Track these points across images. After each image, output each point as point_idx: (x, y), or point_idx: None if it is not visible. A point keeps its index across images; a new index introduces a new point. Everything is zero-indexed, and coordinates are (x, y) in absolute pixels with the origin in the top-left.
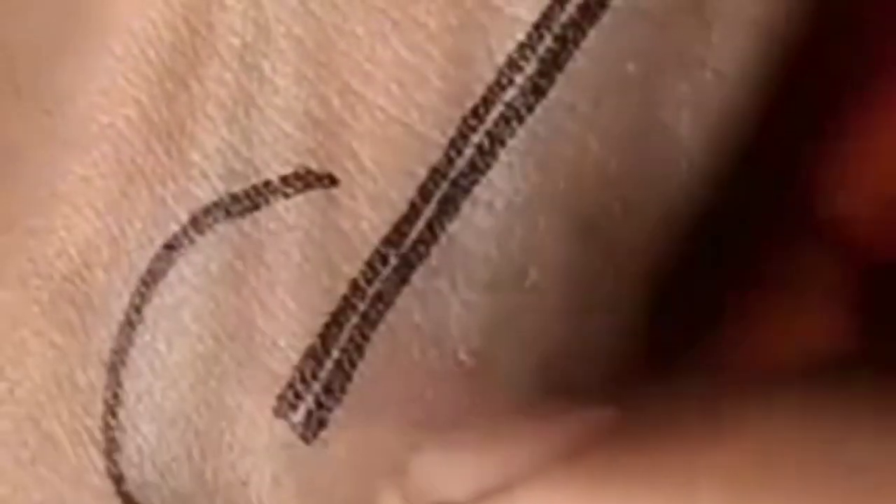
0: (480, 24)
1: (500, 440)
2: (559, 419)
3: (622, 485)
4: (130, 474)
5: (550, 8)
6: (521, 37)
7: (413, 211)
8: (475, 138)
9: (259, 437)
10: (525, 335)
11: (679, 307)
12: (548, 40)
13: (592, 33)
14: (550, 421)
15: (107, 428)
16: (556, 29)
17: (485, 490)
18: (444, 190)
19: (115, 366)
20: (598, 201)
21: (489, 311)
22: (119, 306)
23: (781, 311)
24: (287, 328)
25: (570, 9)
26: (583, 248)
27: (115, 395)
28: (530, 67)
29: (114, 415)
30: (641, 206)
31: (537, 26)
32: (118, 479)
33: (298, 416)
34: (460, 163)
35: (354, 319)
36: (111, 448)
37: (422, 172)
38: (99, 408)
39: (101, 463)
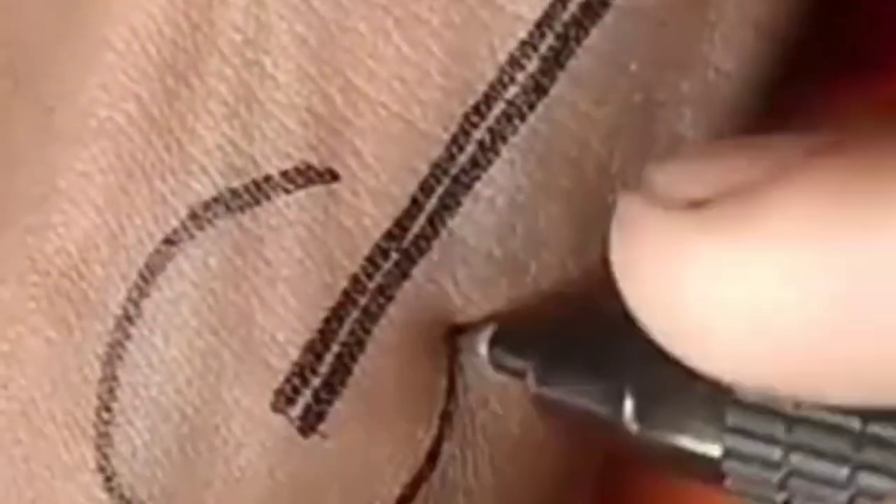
0: (483, 22)
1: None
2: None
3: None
4: (121, 470)
5: (553, 6)
6: (523, 35)
7: (414, 206)
8: (477, 135)
9: (255, 431)
10: None
11: None
12: (550, 38)
13: (595, 32)
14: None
15: (100, 422)
16: (559, 27)
17: (734, 185)
18: (446, 186)
19: (111, 360)
20: (599, 198)
21: (490, 307)
22: (116, 301)
23: None
24: (286, 323)
25: (573, 7)
26: (583, 244)
27: (110, 390)
28: (532, 65)
29: (108, 409)
30: None
31: (539, 24)
32: (109, 475)
33: (297, 411)
34: (462, 159)
35: (355, 314)
36: (103, 443)
37: (423, 168)
38: (92, 403)
39: (92, 459)
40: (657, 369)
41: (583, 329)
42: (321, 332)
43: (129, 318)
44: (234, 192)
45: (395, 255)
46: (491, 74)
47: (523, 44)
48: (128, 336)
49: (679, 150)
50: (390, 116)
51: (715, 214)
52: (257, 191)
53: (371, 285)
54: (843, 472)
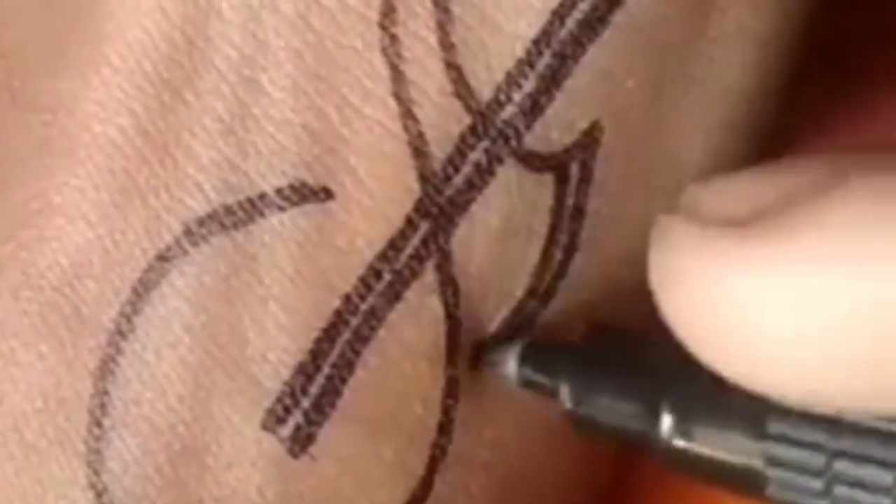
0: (480, 41)
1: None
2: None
3: None
4: (112, 486)
5: (550, 24)
6: (520, 53)
7: (409, 227)
8: (473, 156)
9: (245, 450)
10: None
11: None
12: (547, 56)
13: (592, 49)
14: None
15: (91, 438)
16: (556, 45)
17: (772, 204)
18: (441, 206)
19: (103, 375)
20: (592, 215)
21: (483, 330)
22: (109, 317)
23: None
24: (278, 342)
25: (570, 24)
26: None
27: (102, 405)
28: (529, 84)
29: (99, 425)
30: (641, 221)
31: (537, 42)
32: (100, 492)
33: (287, 431)
34: (458, 179)
35: (346, 335)
36: (94, 459)
37: (418, 188)
38: (84, 419)
39: (83, 475)
40: (694, 383)
41: (616, 346)
42: (312, 352)
43: (121, 334)
44: (228, 209)
45: (388, 276)
46: (488, 94)
47: (521, 62)
48: (120, 352)
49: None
50: (386, 135)
51: (756, 231)
52: (251, 208)
53: (363, 306)
54: (889, 478)
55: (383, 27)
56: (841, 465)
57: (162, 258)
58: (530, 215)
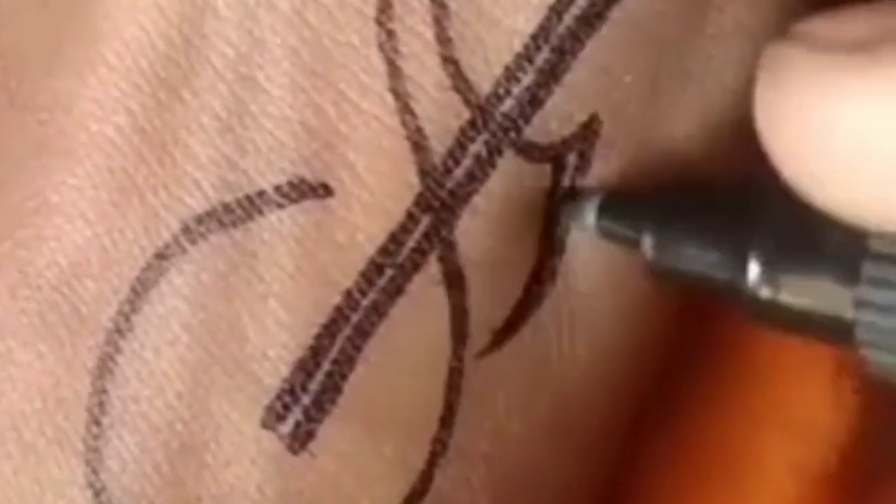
0: (478, 35)
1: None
2: None
3: None
4: (111, 485)
5: (548, 18)
6: (518, 47)
7: (410, 221)
8: (473, 148)
9: (245, 448)
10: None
11: None
12: (545, 51)
13: (590, 44)
14: None
15: (89, 437)
16: (554, 40)
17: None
18: (443, 199)
19: (102, 374)
20: None
21: (487, 320)
22: (108, 315)
23: None
24: (277, 339)
25: (568, 19)
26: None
27: (100, 404)
28: (528, 78)
29: (97, 423)
30: None
31: (535, 37)
32: (98, 491)
33: (286, 428)
34: (458, 173)
35: (347, 331)
36: (92, 458)
37: (418, 183)
38: (82, 418)
39: (81, 474)
40: (783, 230)
41: (700, 195)
42: (312, 349)
43: (120, 333)
44: (226, 207)
45: (389, 271)
46: (487, 87)
47: (519, 56)
48: (118, 350)
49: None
50: (384, 130)
51: (873, 56)
52: (250, 205)
53: (364, 302)
54: None
55: (380, 23)
56: None
57: (160, 256)
58: (530, 203)
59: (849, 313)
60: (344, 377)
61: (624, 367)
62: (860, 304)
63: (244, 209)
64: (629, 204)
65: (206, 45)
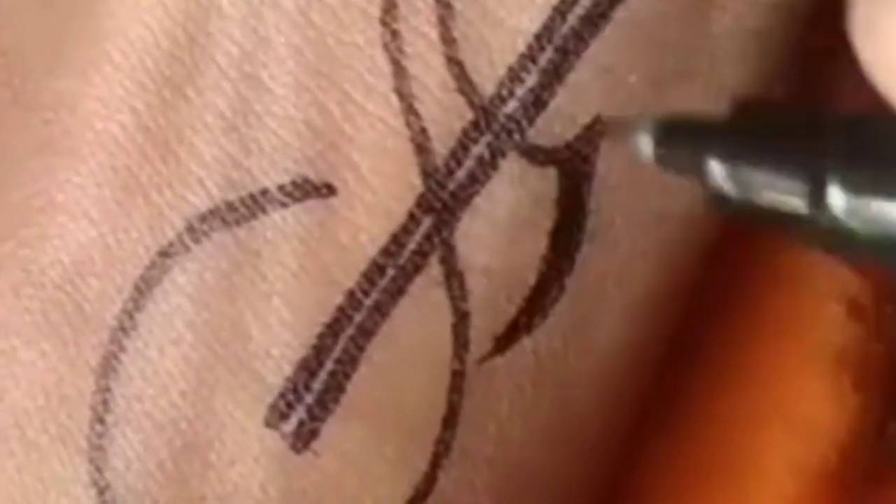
0: (482, 36)
1: None
2: None
3: None
4: (114, 483)
5: (552, 19)
6: (522, 48)
7: (411, 222)
8: (475, 150)
9: (248, 446)
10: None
11: None
12: (549, 52)
13: (594, 44)
14: None
15: (93, 435)
16: (558, 40)
17: None
18: (444, 201)
19: (106, 372)
20: (596, 208)
21: (489, 322)
22: (111, 313)
23: None
24: (281, 338)
25: (572, 20)
26: (584, 255)
27: (104, 402)
28: (531, 79)
29: (101, 422)
30: (642, 215)
31: (539, 37)
32: (102, 489)
33: (290, 427)
34: (460, 174)
35: (350, 330)
36: (96, 456)
37: (420, 184)
38: (86, 416)
39: (85, 472)
40: (863, 154)
41: (769, 118)
42: (315, 348)
43: (123, 331)
44: (230, 206)
45: (391, 271)
46: (490, 88)
47: (522, 57)
48: (122, 349)
49: None
50: (388, 130)
51: None
52: (254, 204)
53: (367, 301)
54: None
55: (385, 23)
56: None
57: (164, 255)
58: (535, 208)
59: None
60: (347, 376)
61: (625, 369)
62: None
63: (248, 208)
64: (691, 129)
65: (210, 44)
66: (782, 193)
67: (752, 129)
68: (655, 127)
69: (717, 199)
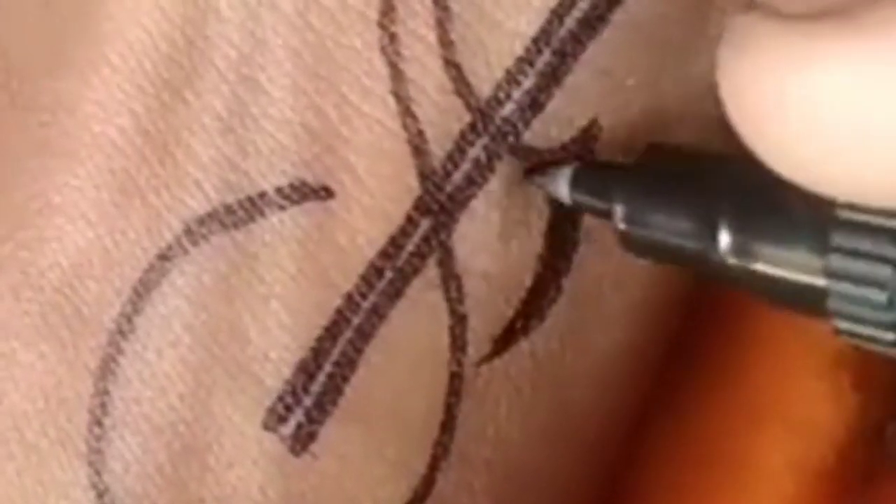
0: (479, 38)
1: None
2: None
3: None
4: (113, 486)
5: (549, 22)
6: (519, 51)
7: (409, 224)
8: (472, 153)
9: (247, 449)
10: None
11: None
12: (546, 54)
13: (592, 47)
14: None
15: (92, 438)
16: (555, 43)
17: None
18: (442, 203)
19: (104, 375)
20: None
21: (486, 326)
22: (110, 316)
23: None
24: (279, 341)
25: (570, 23)
26: (581, 256)
27: (103, 405)
28: (528, 81)
29: (100, 424)
30: None
31: (536, 40)
32: (101, 492)
33: (288, 429)
34: (457, 176)
35: (348, 333)
36: (95, 459)
37: (418, 186)
38: (84, 419)
39: (84, 475)
40: (753, 198)
41: (671, 164)
42: (314, 350)
43: (122, 334)
44: (228, 208)
45: (389, 274)
46: (487, 91)
47: (520, 60)
48: (121, 351)
49: None
50: (385, 133)
51: (834, 25)
52: (252, 207)
53: (365, 304)
54: None
55: (382, 26)
56: None
57: (162, 257)
58: (529, 209)
59: (820, 282)
60: (345, 379)
61: (623, 369)
62: (830, 273)
63: (246, 210)
64: (601, 174)
65: (209, 47)
66: (678, 235)
67: (655, 174)
68: (573, 172)
69: (626, 239)
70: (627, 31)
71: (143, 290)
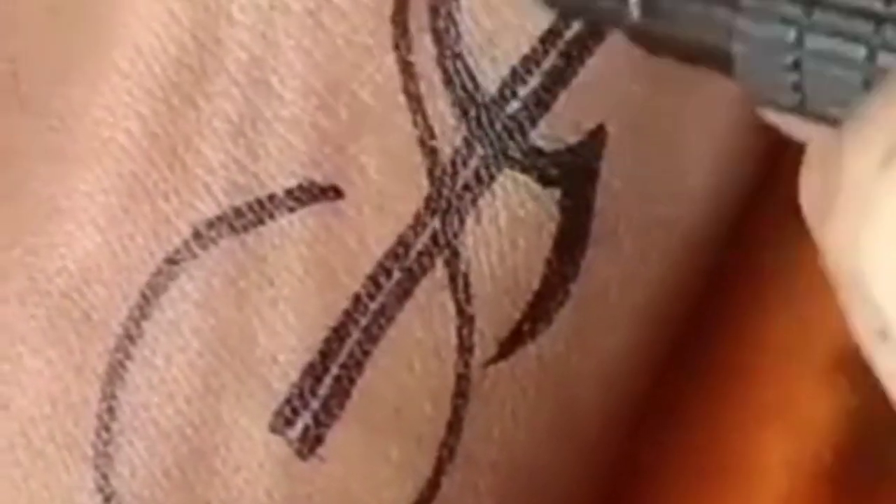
0: (487, 35)
1: None
2: None
3: None
4: (121, 490)
5: (557, 23)
6: (526, 50)
7: (418, 223)
8: (480, 150)
9: (254, 452)
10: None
11: None
12: (553, 55)
13: (598, 50)
14: None
15: (99, 443)
16: (562, 45)
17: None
18: (450, 202)
19: (112, 380)
20: (601, 214)
21: (493, 326)
22: (118, 321)
23: None
24: (287, 343)
25: (577, 26)
26: (588, 260)
27: (110, 410)
28: (534, 81)
29: (107, 429)
30: (643, 220)
31: (543, 40)
32: (108, 496)
33: (295, 432)
34: (465, 175)
35: (356, 334)
36: (102, 463)
37: (427, 185)
38: (92, 423)
39: (91, 480)
40: None
41: None
42: (321, 352)
43: (130, 339)
44: (237, 211)
45: (397, 274)
46: (493, 88)
47: (526, 59)
48: (129, 356)
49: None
50: (396, 131)
51: None
52: (261, 209)
53: (373, 305)
54: (861, 52)
55: (395, 22)
56: (813, 41)
57: (171, 261)
58: (538, 211)
59: (728, 44)
60: (353, 381)
61: (627, 371)
62: (738, 35)
63: (255, 213)
64: None
65: (221, 50)
66: None
67: None
68: None
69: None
70: None
71: (151, 295)
